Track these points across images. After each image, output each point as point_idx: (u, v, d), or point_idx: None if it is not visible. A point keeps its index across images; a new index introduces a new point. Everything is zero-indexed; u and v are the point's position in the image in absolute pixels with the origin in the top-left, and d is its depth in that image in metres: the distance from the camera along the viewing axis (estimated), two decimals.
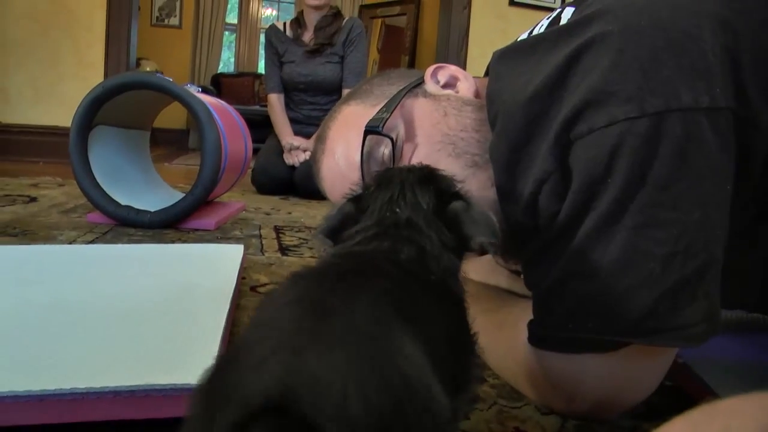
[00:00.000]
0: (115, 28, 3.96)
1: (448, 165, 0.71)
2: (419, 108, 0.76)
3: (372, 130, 0.71)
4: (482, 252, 0.51)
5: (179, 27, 6.97)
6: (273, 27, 3.16)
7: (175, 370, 0.56)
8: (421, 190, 0.51)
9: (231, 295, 0.83)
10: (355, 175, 0.73)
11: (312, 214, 2.23)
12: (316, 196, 2.68)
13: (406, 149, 0.73)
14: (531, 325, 0.66)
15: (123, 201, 1.76)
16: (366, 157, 0.73)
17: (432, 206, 0.50)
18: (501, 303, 0.80)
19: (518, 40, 0.74)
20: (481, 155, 0.72)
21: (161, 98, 2.01)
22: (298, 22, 3.13)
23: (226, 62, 8.10)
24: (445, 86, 0.79)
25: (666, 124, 0.54)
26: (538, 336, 0.65)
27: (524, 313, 0.68)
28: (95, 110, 1.73)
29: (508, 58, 0.72)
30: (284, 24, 3.18)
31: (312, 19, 3.08)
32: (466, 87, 0.78)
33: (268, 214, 2.20)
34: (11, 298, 0.78)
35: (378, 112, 0.73)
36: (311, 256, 1.49)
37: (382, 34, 7.28)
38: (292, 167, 2.81)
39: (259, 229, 1.83)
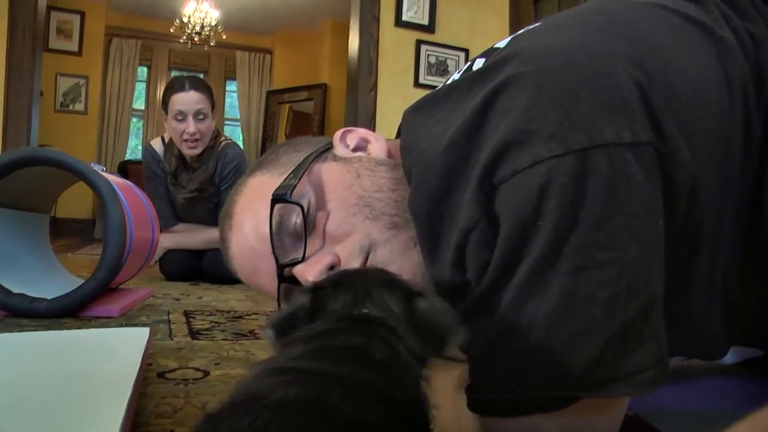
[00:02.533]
0: (14, 111, 3.81)
1: (366, 228, 0.68)
2: (329, 172, 0.73)
3: (279, 198, 0.67)
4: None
5: (84, 113, 6.78)
6: (150, 151, 2.78)
7: None
8: (388, 291, 0.48)
9: (133, 380, 0.74)
10: (266, 249, 0.69)
11: (224, 298, 2.13)
12: (227, 281, 2.57)
13: (320, 216, 0.70)
14: (469, 390, 0.61)
15: (15, 289, 1.61)
16: (276, 228, 0.69)
17: (402, 309, 0.47)
18: (436, 370, 0.74)
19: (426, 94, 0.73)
20: (400, 215, 0.69)
21: (61, 178, 1.90)
22: (173, 152, 2.72)
23: (134, 149, 7.92)
24: (356, 149, 0.77)
25: (592, 161, 0.52)
26: (479, 402, 0.60)
27: (465, 377, 0.63)
28: None
29: (421, 109, 0.71)
30: (162, 143, 2.80)
31: (189, 157, 2.71)
32: (377, 147, 0.76)
33: (177, 299, 2.08)
34: None
35: (285, 180, 0.70)
36: (223, 339, 1.39)
37: (290, 120, 7.38)
38: (201, 252, 2.70)
39: (168, 314, 1.72)
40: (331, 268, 0.67)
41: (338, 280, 0.51)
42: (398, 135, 0.79)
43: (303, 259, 0.68)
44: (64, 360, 0.87)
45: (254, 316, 1.74)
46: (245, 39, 7.81)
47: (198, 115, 2.60)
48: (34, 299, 1.60)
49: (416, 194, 0.63)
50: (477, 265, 0.58)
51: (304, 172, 0.71)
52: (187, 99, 2.60)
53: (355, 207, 0.69)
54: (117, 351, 0.91)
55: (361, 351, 0.41)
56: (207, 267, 2.64)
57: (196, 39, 6.83)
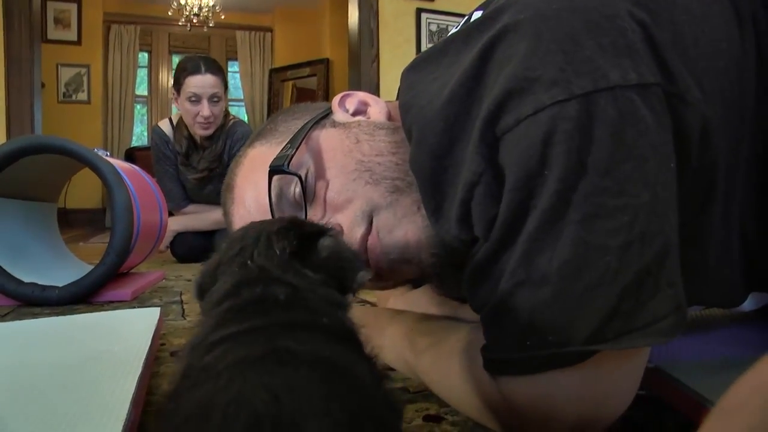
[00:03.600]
0: (16, 104, 3.80)
1: (367, 193, 0.67)
2: (328, 139, 0.71)
3: (276, 169, 0.66)
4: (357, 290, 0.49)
5: (88, 102, 6.78)
6: (158, 132, 2.77)
7: None
8: (277, 236, 0.47)
9: (143, 359, 0.73)
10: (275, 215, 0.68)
11: None
12: None
13: (320, 184, 0.68)
14: (484, 351, 0.59)
15: (27, 279, 1.61)
16: (276, 199, 0.67)
17: (289, 248, 0.46)
18: (449, 331, 0.72)
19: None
20: (402, 178, 0.67)
21: (66, 166, 1.89)
22: (183, 133, 2.71)
23: (139, 136, 7.92)
24: (355, 113, 0.75)
25: (597, 105, 0.50)
26: (494, 361, 0.58)
27: (477, 337, 0.61)
28: None
29: (419, 66, 0.69)
30: (170, 124, 2.77)
31: (198, 135, 2.70)
32: (377, 110, 0.74)
33: (189, 280, 2.08)
34: None
35: (282, 150, 0.68)
36: None
37: (294, 97, 7.35)
38: (212, 233, 2.70)
39: (180, 295, 1.72)
40: None
41: (230, 237, 0.51)
42: (398, 96, 0.77)
43: None
44: (75, 343, 0.86)
45: None
46: (244, 18, 7.75)
47: (213, 98, 2.59)
48: (45, 287, 1.60)
49: (417, 151, 0.61)
50: (484, 219, 0.56)
51: (302, 140, 0.69)
52: (203, 82, 2.58)
53: (355, 172, 0.68)
54: (127, 332, 0.91)
55: (268, 300, 0.41)
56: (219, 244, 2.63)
57: (194, 21, 6.79)
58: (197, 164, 2.70)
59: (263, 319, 0.38)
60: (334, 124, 0.73)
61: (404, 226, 0.67)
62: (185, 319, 1.37)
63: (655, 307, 0.51)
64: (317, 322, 0.38)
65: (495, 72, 0.55)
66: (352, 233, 0.66)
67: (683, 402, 0.67)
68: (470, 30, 0.61)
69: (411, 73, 0.69)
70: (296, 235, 0.47)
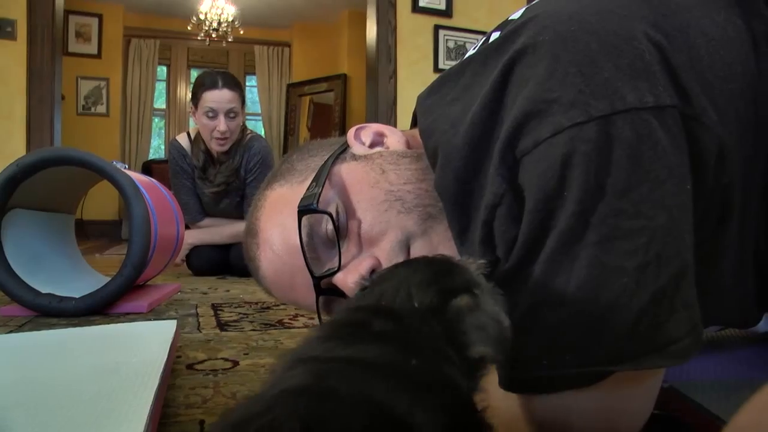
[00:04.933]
0: (36, 116, 3.84)
1: (401, 222, 0.66)
2: (352, 172, 0.70)
3: (307, 209, 0.64)
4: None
5: (107, 115, 6.85)
6: (176, 146, 2.77)
7: None
8: (419, 288, 0.44)
9: (160, 371, 0.73)
10: (299, 262, 0.66)
11: (251, 290, 2.12)
12: None
13: (351, 220, 0.67)
14: (501, 369, 0.58)
15: (44, 290, 1.62)
16: (308, 239, 0.66)
17: (428, 303, 0.43)
18: None
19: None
20: (433, 205, 0.66)
21: (84, 178, 1.90)
22: (200, 147, 2.72)
23: (156, 149, 7.98)
24: (373, 145, 0.74)
25: (615, 127, 0.50)
26: (511, 379, 0.57)
27: None
28: (10, 191, 1.60)
29: (435, 90, 0.68)
30: (188, 138, 2.79)
31: (214, 148, 2.71)
32: (395, 140, 0.73)
33: (205, 293, 2.08)
34: None
35: (308, 189, 0.67)
36: (252, 330, 1.38)
37: (311, 112, 7.38)
38: (227, 246, 2.70)
39: (196, 308, 1.72)
40: (372, 271, 0.64)
41: (377, 278, 0.49)
42: (413, 123, 0.76)
43: (339, 268, 0.66)
44: (92, 355, 0.86)
45: (282, 307, 1.73)
46: (263, 33, 7.80)
47: (230, 114, 2.60)
48: (62, 298, 1.60)
49: (442, 175, 0.61)
50: (505, 240, 0.55)
51: (326, 176, 0.68)
52: (220, 97, 2.59)
53: (386, 203, 0.66)
54: (144, 344, 0.90)
55: (363, 332, 0.40)
56: (234, 260, 2.64)
57: (213, 36, 6.84)
58: (214, 178, 2.71)
59: (342, 350, 0.37)
60: (355, 158, 0.72)
61: (441, 252, 0.66)
62: (201, 332, 1.37)
63: (672, 328, 0.51)
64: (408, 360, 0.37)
65: (514, 93, 0.54)
66: (390, 264, 0.65)
67: (697, 421, 0.66)
68: (489, 51, 0.61)
69: (428, 98, 0.69)
70: (438, 292, 0.44)
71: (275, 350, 1.17)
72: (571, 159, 0.50)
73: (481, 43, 0.69)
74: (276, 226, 0.69)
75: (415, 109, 0.73)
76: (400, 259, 0.65)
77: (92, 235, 5.89)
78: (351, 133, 0.75)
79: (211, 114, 2.59)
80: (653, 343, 0.51)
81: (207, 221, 2.80)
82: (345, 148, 0.74)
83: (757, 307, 0.68)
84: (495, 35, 0.66)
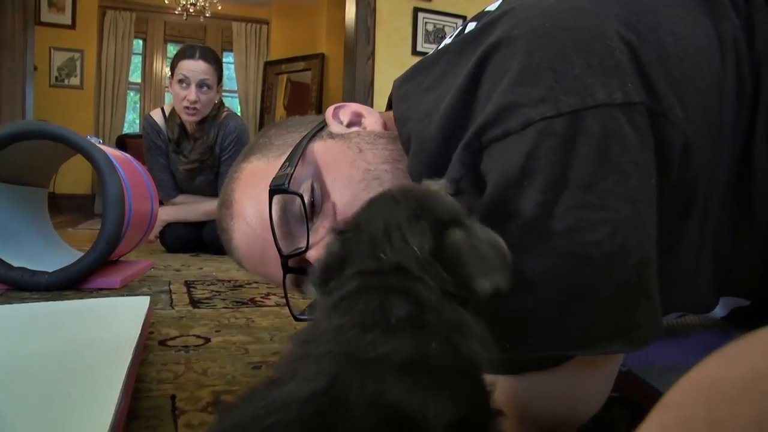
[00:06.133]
0: (7, 88, 3.78)
1: None
2: (330, 150, 0.71)
3: (277, 189, 0.65)
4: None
5: (80, 87, 6.74)
6: (150, 121, 2.77)
7: (68, 430, 0.48)
8: (411, 226, 0.44)
9: (133, 347, 0.75)
10: (272, 237, 0.67)
11: (224, 268, 2.14)
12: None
13: (327, 197, 0.68)
14: None
15: (15, 263, 1.62)
16: (282, 215, 0.67)
17: (428, 246, 0.43)
18: None
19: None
20: None
21: (58, 152, 1.89)
22: (175, 120, 2.72)
23: (131, 123, 7.89)
24: (350, 125, 0.75)
25: (583, 122, 0.51)
26: None
27: None
28: None
29: (411, 78, 0.69)
30: (162, 113, 2.78)
31: (189, 125, 2.72)
32: (372, 121, 0.75)
33: (178, 270, 2.09)
34: None
35: (281, 168, 0.68)
36: (224, 307, 1.40)
37: (288, 91, 7.32)
38: (201, 224, 2.70)
39: (169, 285, 1.73)
40: None
41: (361, 216, 0.48)
42: (389, 106, 0.78)
43: (307, 248, 0.67)
44: (64, 329, 0.88)
45: (254, 285, 1.75)
46: (241, 10, 7.73)
47: (201, 86, 2.59)
48: (35, 273, 1.60)
49: (415, 162, 0.63)
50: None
51: (300, 156, 0.68)
52: (195, 67, 2.60)
53: (364, 182, 0.68)
54: (117, 320, 0.92)
55: (378, 317, 0.38)
56: (207, 238, 2.65)
57: (191, 10, 6.76)
58: (188, 154, 2.70)
59: (354, 344, 0.37)
60: (332, 136, 0.73)
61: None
62: (173, 308, 1.38)
63: (632, 316, 0.53)
64: (425, 353, 0.37)
65: (488, 85, 0.56)
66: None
67: (654, 404, 0.69)
68: (464, 42, 0.62)
69: (403, 85, 0.70)
70: (429, 228, 0.44)
71: (246, 328, 1.19)
72: (537, 151, 0.52)
73: (457, 32, 0.71)
74: (251, 198, 0.70)
75: (390, 93, 0.74)
76: None
77: (65, 210, 5.82)
78: (329, 111, 0.76)
79: (183, 83, 2.59)
80: (614, 330, 0.53)
81: (181, 198, 2.79)
82: (323, 126, 0.74)
83: (713, 294, 0.71)
84: (471, 25, 0.67)
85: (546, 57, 0.54)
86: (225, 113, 2.74)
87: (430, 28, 4.51)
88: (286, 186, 0.65)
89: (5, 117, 3.73)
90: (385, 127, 0.74)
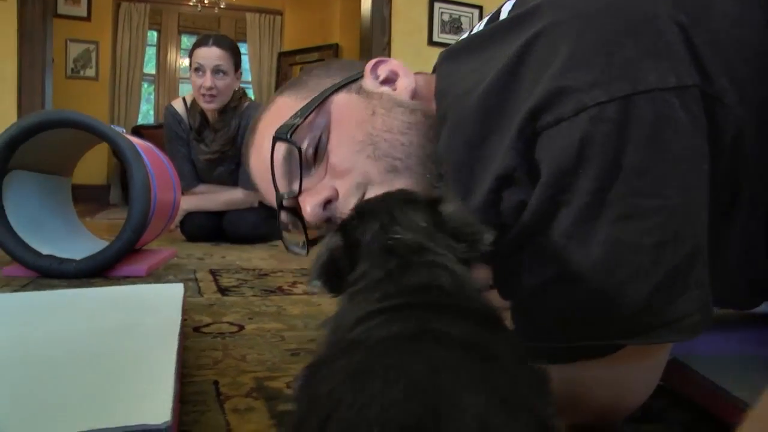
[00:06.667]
0: (27, 79, 3.80)
1: (365, 167, 0.68)
2: (348, 105, 0.72)
3: (279, 137, 0.69)
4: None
5: (96, 79, 6.77)
6: (171, 111, 2.78)
7: (131, 411, 0.48)
8: (412, 208, 0.47)
9: (178, 332, 0.75)
10: (277, 173, 0.71)
11: (246, 257, 2.14)
12: (248, 240, 2.61)
13: (329, 148, 0.71)
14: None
15: (43, 251, 1.63)
16: (286, 155, 0.70)
17: (430, 220, 0.46)
18: None
19: (462, 38, 0.71)
20: (402, 160, 0.68)
21: (81, 141, 1.90)
22: (197, 110, 2.72)
23: (145, 114, 7.91)
24: (385, 81, 0.75)
25: (636, 107, 0.51)
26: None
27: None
28: (10, 152, 1.61)
29: (457, 55, 0.69)
30: (183, 103, 2.80)
31: (210, 115, 2.71)
32: (404, 84, 0.75)
33: (201, 258, 2.10)
34: None
35: (291, 117, 0.70)
36: (253, 295, 1.40)
37: None
38: (221, 213, 2.71)
39: (194, 273, 1.74)
40: (328, 202, 0.68)
41: (361, 210, 0.50)
42: (435, 74, 0.77)
43: (300, 193, 0.70)
44: (106, 315, 0.88)
45: (280, 274, 1.76)
46: (255, 0, 7.71)
47: (217, 72, 2.59)
48: (63, 260, 1.62)
49: (452, 139, 0.62)
50: (511, 210, 0.57)
51: (319, 105, 0.71)
52: (209, 53, 2.60)
53: (361, 144, 0.69)
54: (156, 305, 0.92)
55: (420, 284, 0.41)
56: (228, 227, 2.66)
57: (205, 1, 6.76)
58: (210, 144, 2.71)
59: (412, 298, 0.39)
60: (359, 91, 0.74)
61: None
62: (202, 296, 1.39)
63: (684, 305, 0.53)
64: (464, 306, 0.39)
65: (534, 70, 0.55)
66: (346, 202, 0.68)
67: (699, 392, 0.69)
68: (509, 25, 0.61)
69: (448, 61, 0.70)
70: (424, 208, 0.48)
71: (278, 316, 1.20)
72: (591, 138, 0.51)
73: (491, 16, 0.71)
74: (268, 132, 0.72)
75: (436, 63, 0.74)
76: (355, 199, 0.68)
77: (80, 200, 5.80)
78: (370, 64, 0.76)
79: (199, 71, 2.60)
80: (665, 319, 0.53)
81: (201, 188, 2.80)
82: (359, 77, 0.75)
83: (759, 293, 0.71)
84: (508, 6, 0.67)
85: (597, 40, 0.53)
86: (247, 103, 2.74)
87: (446, 18, 4.48)
88: (288, 136, 0.68)
89: (25, 108, 3.75)
90: (414, 94, 0.74)
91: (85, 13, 6.67)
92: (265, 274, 1.75)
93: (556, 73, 0.53)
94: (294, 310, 1.26)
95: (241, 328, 1.09)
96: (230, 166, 2.74)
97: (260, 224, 2.68)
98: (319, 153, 0.70)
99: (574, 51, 0.53)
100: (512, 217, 0.57)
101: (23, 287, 1.47)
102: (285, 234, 0.77)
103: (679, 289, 0.52)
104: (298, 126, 0.69)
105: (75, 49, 6.69)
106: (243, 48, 8.00)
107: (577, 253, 0.53)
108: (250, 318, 1.17)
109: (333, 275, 0.48)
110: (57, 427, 0.45)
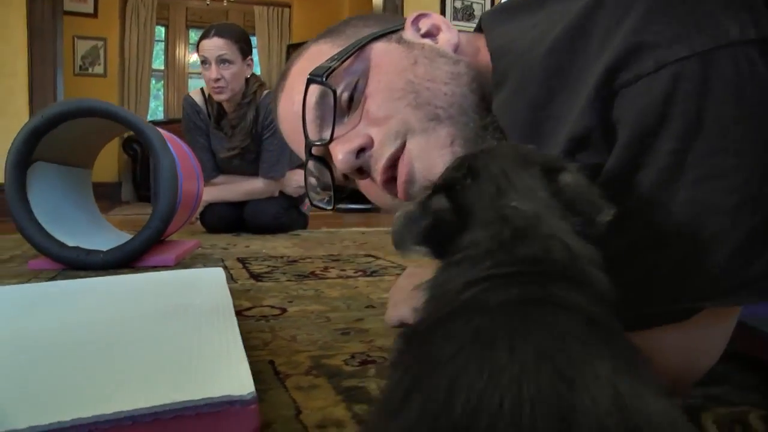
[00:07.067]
0: (38, 75, 3.79)
1: (406, 115, 0.65)
2: (388, 53, 0.69)
3: (313, 78, 0.66)
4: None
5: (104, 75, 6.77)
6: (189, 101, 2.76)
7: (212, 384, 0.46)
8: (529, 174, 0.44)
9: (232, 310, 0.73)
10: (308, 118, 0.68)
11: (270, 246, 2.12)
12: (269, 230, 2.59)
13: (366, 95, 0.68)
14: None
15: (69, 243, 1.61)
16: (319, 100, 0.68)
17: (547, 191, 0.43)
18: None
19: None
20: (445, 109, 0.65)
21: (102, 132, 1.89)
22: (214, 101, 2.70)
23: (154, 110, 7.90)
24: (426, 35, 0.72)
25: (718, 63, 0.48)
26: None
27: None
28: (34, 143, 1.59)
29: (511, 12, 0.67)
30: (201, 93, 2.77)
31: (227, 106, 2.70)
32: (446, 38, 0.72)
33: (225, 248, 2.08)
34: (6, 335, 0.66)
35: (327, 60, 0.67)
36: (287, 280, 1.38)
37: None
38: (242, 204, 2.69)
39: (223, 261, 1.72)
40: (362, 150, 0.66)
41: (471, 168, 0.46)
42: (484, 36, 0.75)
43: (331, 140, 0.67)
44: (154, 298, 0.86)
45: (309, 260, 1.74)
46: None
47: (221, 62, 2.55)
48: (89, 251, 1.60)
49: (515, 100, 0.60)
50: (588, 172, 0.55)
51: (357, 51, 0.68)
52: (211, 45, 2.56)
53: (401, 91, 0.66)
54: (202, 288, 0.90)
55: (533, 256, 0.38)
56: (249, 217, 2.64)
57: None
58: (229, 132, 2.68)
59: (525, 267, 0.37)
60: (400, 41, 0.71)
61: (432, 159, 0.65)
62: (237, 282, 1.37)
63: (761, 266, 0.51)
64: (578, 279, 0.38)
65: (605, 23, 0.52)
66: (383, 150, 0.65)
67: (764, 349, 0.67)
68: None
69: (501, 18, 0.67)
70: (540, 175, 0.44)
71: (318, 298, 1.17)
72: (673, 96, 0.49)
73: None
74: (301, 77, 0.69)
75: (480, 21, 0.72)
76: (393, 146, 0.65)
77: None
78: (411, 16, 0.74)
79: (205, 63, 2.57)
80: (744, 280, 0.51)
81: (221, 178, 2.78)
82: (398, 29, 0.73)
83: None
84: None
85: None
86: (266, 92, 2.71)
87: (458, 5, 4.45)
88: (323, 79, 0.65)
89: (37, 105, 3.74)
90: (457, 49, 0.71)
91: (91, 10, 6.67)
92: (294, 261, 1.73)
93: (633, 28, 0.51)
94: (333, 293, 1.23)
95: (284, 311, 1.06)
96: (250, 155, 2.71)
97: (281, 214, 2.66)
98: (354, 99, 0.67)
99: (651, 5, 0.51)
100: None
101: (52, 279, 1.45)
102: (311, 183, 0.75)
103: (758, 250, 0.50)
104: (334, 69, 0.66)
105: (83, 46, 6.69)
106: (252, 41, 7.97)
107: (658, 215, 0.51)
108: (290, 301, 1.14)
109: (439, 240, 0.43)
110: (139, 400, 0.42)
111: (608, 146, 0.53)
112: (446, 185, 0.46)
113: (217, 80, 2.55)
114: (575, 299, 0.34)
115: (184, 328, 0.66)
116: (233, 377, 0.47)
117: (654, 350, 0.55)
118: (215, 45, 2.57)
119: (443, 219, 0.44)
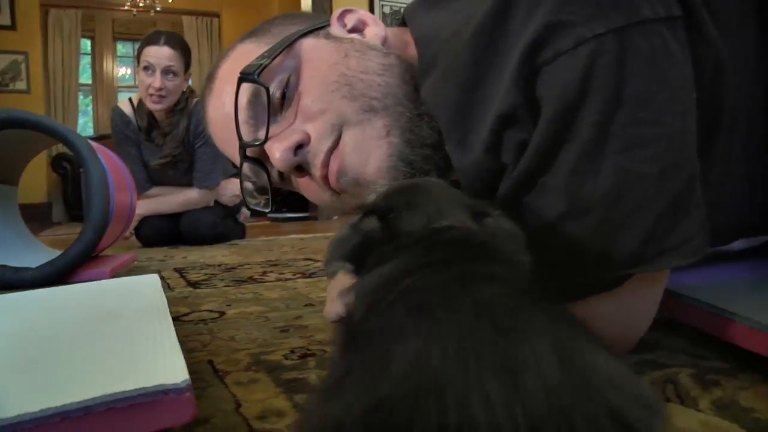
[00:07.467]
0: None
1: (341, 107, 0.67)
2: (318, 49, 0.70)
3: (245, 77, 0.66)
4: None
5: (27, 92, 6.51)
6: (118, 112, 2.67)
7: (146, 374, 0.46)
8: (460, 211, 0.47)
9: (168, 310, 0.72)
10: (240, 119, 0.68)
11: (209, 255, 2.10)
12: (206, 241, 2.56)
13: (298, 91, 0.68)
14: None
15: None
16: (252, 99, 0.68)
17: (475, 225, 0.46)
18: None
19: None
20: (379, 99, 0.67)
21: (27, 146, 1.83)
22: (144, 111, 2.63)
23: (84, 126, 7.67)
24: (352, 30, 0.74)
25: (631, 39, 0.52)
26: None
27: None
28: None
29: (433, 3, 0.69)
30: (130, 104, 2.69)
31: (158, 115, 2.63)
32: (374, 32, 0.73)
33: (162, 260, 2.04)
34: None
35: (257, 57, 0.68)
36: (225, 286, 1.37)
37: None
38: (177, 215, 2.64)
39: (159, 273, 1.69)
40: (300, 146, 0.67)
41: (407, 202, 0.48)
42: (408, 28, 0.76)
43: (266, 140, 0.67)
44: (89, 304, 0.84)
45: (247, 266, 1.72)
46: (191, 3, 7.56)
47: (167, 72, 2.51)
48: (18, 269, 1.54)
49: (442, 84, 0.62)
50: (514, 148, 0.57)
51: (282, 50, 0.68)
52: (159, 53, 2.51)
53: (335, 84, 0.67)
54: (136, 293, 0.89)
55: (460, 238, 0.42)
56: (185, 229, 2.60)
57: (140, 4, 6.59)
58: (160, 143, 2.63)
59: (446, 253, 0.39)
60: (328, 36, 0.72)
61: (368, 150, 0.67)
62: (173, 290, 1.35)
63: (685, 229, 0.54)
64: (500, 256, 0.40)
65: (525, 6, 0.55)
66: (320, 144, 0.67)
67: (694, 316, 0.70)
68: None
69: (424, 9, 0.69)
70: (471, 215, 0.47)
71: (257, 300, 1.17)
72: (592, 71, 0.52)
73: None
74: (230, 78, 0.70)
75: (402, 15, 0.74)
76: (330, 140, 0.66)
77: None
78: (336, 13, 0.75)
79: (149, 70, 2.51)
80: (669, 243, 0.54)
81: (155, 190, 2.72)
82: (324, 25, 0.74)
83: (737, 228, 0.72)
84: None
85: None
86: (196, 100, 2.67)
87: (387, 10, 4.49)
88: (255, 76, 0.66)
89: None
90: (385, 42, 0.73)
91: (8, 21, 6.38)
92: (233, 268, 1.71)
93: (552, 8, 0.53)
94: (271, 294, 1.23)
95: (222, 313, 1.06)
96: (183, 165, 2.67)
97: (218, 224, 2.63)
98: (287, 96, 0.68)
99: None
100: (513, 159, 0.57)
101: None
102: (247, 187, 0.75)
103: (681, 214, 0.54)
104: (265, 66, 0.66)
105: (2, 61, 6.42)
106: None
107: (584, 187, 0.54)
108: (228, 305, 1.14)
109: (363, 257, 0.46)
110: (75, 394, 0.42)
111: (534, 122, 0.55)
112: (380, 212, 0.48)
113: (159, 89, 2.50)
114: (501, 273, 0.36)
115: (118, 328, 0.65)
116: (167, 367, 0.47)
117: (590, 319, 0.58)
118: (164, 54, 2.52)
119: (373, 239, 0.46)
